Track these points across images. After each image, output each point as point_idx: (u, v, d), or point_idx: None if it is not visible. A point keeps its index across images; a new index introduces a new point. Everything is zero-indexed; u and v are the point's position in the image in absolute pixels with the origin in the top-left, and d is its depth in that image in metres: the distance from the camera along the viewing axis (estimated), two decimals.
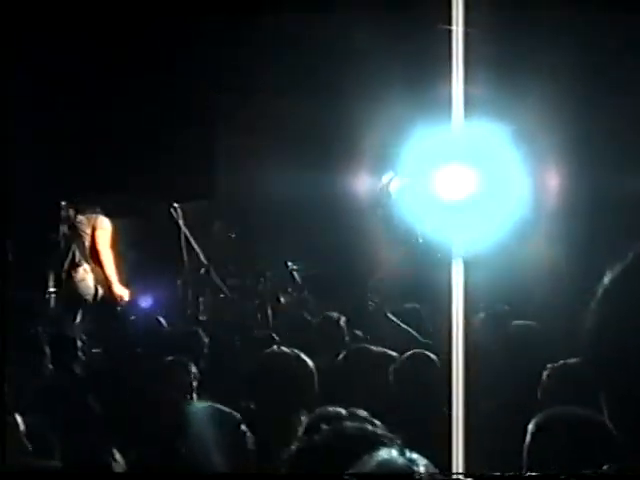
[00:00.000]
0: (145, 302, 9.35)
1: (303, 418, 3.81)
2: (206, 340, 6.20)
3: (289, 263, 10.54)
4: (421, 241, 8.99)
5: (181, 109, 9.51)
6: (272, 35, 9.30)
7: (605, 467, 1.84)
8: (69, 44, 8.40)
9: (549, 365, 4.31)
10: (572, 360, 4.15)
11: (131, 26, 8.71)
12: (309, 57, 9.50)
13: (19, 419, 3.80)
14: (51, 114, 8.45)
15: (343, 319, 6.74)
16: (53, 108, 8.48)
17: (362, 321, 7.34)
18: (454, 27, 4.40)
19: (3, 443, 3.75)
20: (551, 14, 7.60)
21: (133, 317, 8.82)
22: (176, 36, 9.03)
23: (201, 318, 9.42)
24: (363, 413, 3.34)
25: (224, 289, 9.82)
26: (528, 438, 3.21)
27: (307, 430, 3.29)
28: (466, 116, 4.41)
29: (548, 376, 4.24)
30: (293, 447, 2.87)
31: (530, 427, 3.25)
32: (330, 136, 10.71)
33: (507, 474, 3.05)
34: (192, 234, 10.21)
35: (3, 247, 7.63)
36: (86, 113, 8.69)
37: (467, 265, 4.38)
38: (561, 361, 4.24)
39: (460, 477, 3.49)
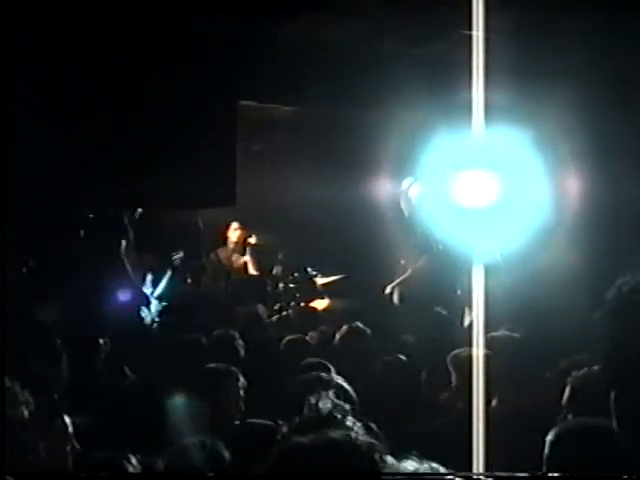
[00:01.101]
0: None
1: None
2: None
3: (309, 269, 10.60)
4: (441, 248, 8.98)
5: (200, 115, 9.45)
6: (291, 41, 9.28)
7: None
8: (86, 52, 8.45)
9: (573, 372, 4.28)
10: (595, 368, 4.11)
11: (149, 31, 8.71)
12: (328, 63, 9.46)
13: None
14: (72, 124, 8.48)
15: (366, 328, 6.73)
16: (73, 116, 8.48)
17: (382, 328, 7.26)
18: (474, 32, 4.37)
19: (3, 443, 3.75)
20: (571, 19, 7.55)
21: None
22: (196, 43, 9.05)
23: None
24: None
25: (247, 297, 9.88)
26: (547, 448, 3.20)
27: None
28: (487, 122, 4.39)
29: (569, 383, 4.20)
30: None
31: (549, 437, 3.24)
32: (350, 142, 10.71)
33: (527, 475, 3.11)
34: (213, 240, 10.39)
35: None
36: (101, 122, 8.66)
37: (488, 271, 4.32)
38: (585, 368, 4.20)
39: (481, 477, 3.52)
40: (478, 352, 4.19)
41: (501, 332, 5.35)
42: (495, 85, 4.37)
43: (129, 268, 9.02)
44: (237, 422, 4.69)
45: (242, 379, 5.05)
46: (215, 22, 8.84)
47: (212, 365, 5.25)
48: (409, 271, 9.77)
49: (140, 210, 9.49)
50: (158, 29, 8.77)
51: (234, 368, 5.15)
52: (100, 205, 9.58)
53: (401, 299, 9.73)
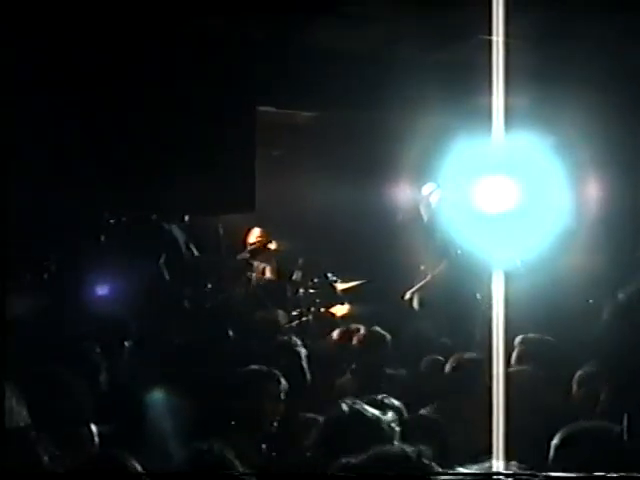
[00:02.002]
0: None
1: None
2: None
3: (329, 274, 10.55)
4: (461, 253, 8.98)
5: (219, 120, 9.49)
6: (309, 46, 9.35)
7: None
8: (103, 56, 8.51)
9: (591, 375, 4.29)
10: (612, 371, 4.14)
11: (166, 36, 8.77)
12: (347, 68, 9.50)
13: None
14: (87, 130, 8.55)
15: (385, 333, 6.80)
16: (89, 124, 8.56)
17: (402, 333, 7.37)
18: (494, 37, 4.40)
19: (3, 442, 3.81)
20: (594, 23, 7.55)
21: None
22: (214, 48, 9.15)
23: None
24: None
25: (268, 303, 9.82)
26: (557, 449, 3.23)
27: None
28: (507, 127, 4.42)
29: (582, 384, 4.23)
30: None
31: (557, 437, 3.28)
32: (370, 148, 10.74)
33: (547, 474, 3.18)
34: (232, 245, 10.41)
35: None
36: (119, 128, 8.75)
37: (508, 277, 4.36)
38: (603, 371, 4.22)
39: (501, 477, 3.50)
40: (498, 357, 4.21)
41: (522, 336, 5.42)
42: (515, 90, 4.40)
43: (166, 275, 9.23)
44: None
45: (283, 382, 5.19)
46: (233, 26, 8.91)
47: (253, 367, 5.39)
48: (429, 276, 9.79)
49: (154, 217, 9.57)
50: (175, 33, 8.83)
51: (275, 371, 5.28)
52: (119, 211, 9.65)
53: (421, 304, 9.74)
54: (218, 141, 9.48)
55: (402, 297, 9.83)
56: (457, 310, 8.56)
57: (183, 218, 9.88)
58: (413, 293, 9.80)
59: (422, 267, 9.97)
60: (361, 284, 10.68)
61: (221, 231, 10.02)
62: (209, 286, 10.12)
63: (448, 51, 9.11)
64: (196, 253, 9.81)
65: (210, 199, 9.53)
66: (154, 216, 9.51)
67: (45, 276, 8.55)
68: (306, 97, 10.11)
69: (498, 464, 3.83)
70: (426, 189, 10.02)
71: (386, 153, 10.46)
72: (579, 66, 8.28)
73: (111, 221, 9.73)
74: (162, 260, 9.45)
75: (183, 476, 3.92)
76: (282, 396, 5.14)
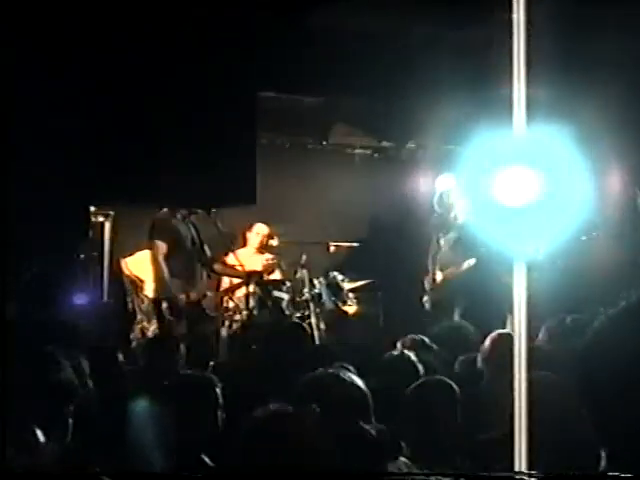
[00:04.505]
0: None
1: None
2: None
3: (334, 274, 10.72)
4: (480, 248, 9.17)
5: (217, 107, 9.55)
6: (317, 26, 9.50)
7: None
8: (95, 42, 8.66)
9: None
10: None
11: (162, 17, 8.93)
12: (356, 51, 9.64)
13: None
14: (83, 117, 8.68)
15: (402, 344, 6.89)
16: (84, 110, 8.69)
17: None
18: (515, 15, 4.58)
19: (3, 443, 4.14)
20: (617, 10, 7.69)
21: None
22: (212, 29, 9.23)
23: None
24: None
25: (269, 302, 10.08)
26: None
27: None
28: (528, 116, 4.51)
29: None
30: None
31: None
32: (381, 136, 10.98)
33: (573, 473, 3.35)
34: (232, 241, 10.64)
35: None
36: (114, 113, 8.87)
37: (530, 271, 4.43)
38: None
39: (524, 477, 3.71)
40: (520, 352, 4.37)
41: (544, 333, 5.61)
42: (537, 79, 4.62)
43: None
44: None
45: None
46: (232, 6, 9.03)
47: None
48: (445, 274, 9.96)
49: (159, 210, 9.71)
50: (170, 14, 8.96)
51: None
52: (112, 204, 10.12)
53: (434, 304, 9.95)
54: (215, 128, 9.53)
55: (416, 297, 10.06)
56: (477, 308, 8.87)
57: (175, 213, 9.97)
58: (427, 292, 10.02)
59: (437, 263, 10.11)
60: (370, 283, 10.85)
61: (220, 226, 10.03)
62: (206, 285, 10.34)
63: (467, 38, 9.32)
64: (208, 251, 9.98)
65: (207, 192, 9.64)
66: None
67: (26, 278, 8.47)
68: (312, 81, 10.20)
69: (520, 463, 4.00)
70: (442, 181, 10.18)
71: (399, 142, 10.77)
72: (604, 53, 8.47)
73: (100, 219, 10.25)
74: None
75: (183, 476, 4.20)
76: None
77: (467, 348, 6.74)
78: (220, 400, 5.16)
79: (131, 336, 9.68)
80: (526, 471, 3.85)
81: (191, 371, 5.83)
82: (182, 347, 7.17)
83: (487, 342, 6.34)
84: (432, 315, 9.73)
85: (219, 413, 5.11)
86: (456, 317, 9.13)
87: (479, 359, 6.20)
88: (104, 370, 6.12)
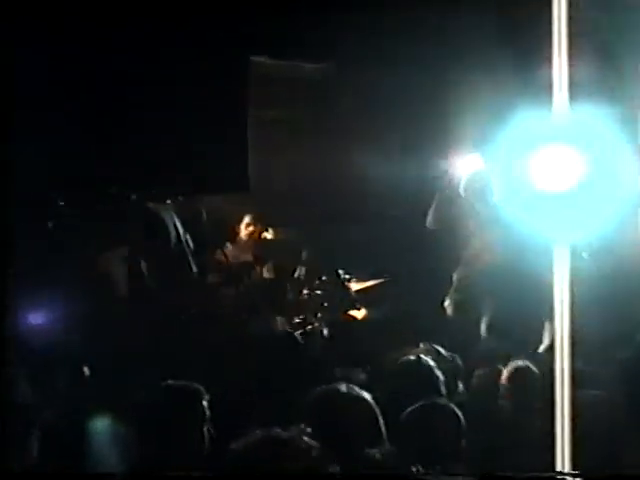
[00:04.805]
0: None
1: None
2: None
3: (340, 271, 11.15)
4: (517, 240, 9.41)
5: (202, 74, 9.98)
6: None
7: None
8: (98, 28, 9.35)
9: None
10: None
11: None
12: (398, 32, 10.31)
13: None
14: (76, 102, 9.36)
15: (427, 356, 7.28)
16: (78, 95, 9.37)
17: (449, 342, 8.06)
18: (556, 4, 5.41)
19: (3, 443, 5.11)
20: None
21: None
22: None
23: None
24: None
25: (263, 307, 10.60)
26: None
27: None
28: (570, 98, 5.26)
29: None
30: None
31: None
32: (397, 112, 11.40)
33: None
34: (219, 235, 11.21)
35: None
36: (99, 96, 9.49)
37: (572, 259, 5.13)
38: None
39: (567, 478, 4.45)
40: (563, 347, 5.12)
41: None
42: (579, 58, 5.31)
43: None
44: None
45: None
46: None
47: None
48: (471, 271, 10.50)
49: (134, 197, 10.16)
50: None
51: None
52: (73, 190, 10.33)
53: (458, 307, 10.46)
54: (201, 100, 9.85)
55: (437, 299, 10.53)
56: (509, 314, 9.41)
57: (156, 199, 10.46)
58: (450, 294, 10.52)
59: (462, 259, 10.66)
60: (382, 282, 11.32)
61: (205, 216, 10.69)
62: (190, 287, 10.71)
63: (507, 16, 10.08)
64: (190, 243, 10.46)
65: (191, 175, 10.09)
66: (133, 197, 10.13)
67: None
68: (314, 45, 10.75)
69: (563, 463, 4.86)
70: (468, 163, 10.72)
71: (416, 118, 11.13)
72: None
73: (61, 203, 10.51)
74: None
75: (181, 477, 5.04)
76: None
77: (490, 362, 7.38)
78: (207, 414, 5.87)
79: None
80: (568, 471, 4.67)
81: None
82: None
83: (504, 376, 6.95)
84: (454, 322, 10.33)
85: (205, 428, 5.82)
86: (483, 326, 9.71)
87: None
88: None
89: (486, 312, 9.98)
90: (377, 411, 5.64)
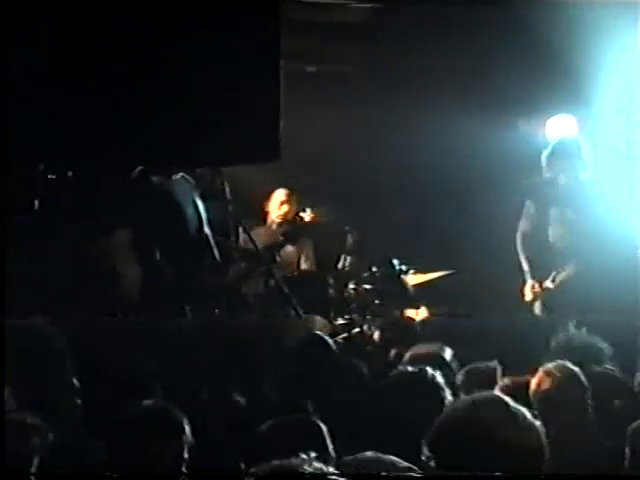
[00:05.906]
0: None
1: None
2: None
3: (395, 261, 10.61)
4: (612, 228, 9.22)
5: (220, 22, 9.55)
6: None
7: None
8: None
9: None
10: None
11: None
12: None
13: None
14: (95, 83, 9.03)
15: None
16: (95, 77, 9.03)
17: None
18: None
19: (3, 443, 5.14)
20: None
21: None
22: None
23: None
24: None
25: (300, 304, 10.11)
26: None
27: None
28: None
29: None
30: None
31: None
32: (463, 65, 11.04)
33: None
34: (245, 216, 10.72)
35: None
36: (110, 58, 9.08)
37: None
38: None
39: None
40: None
41: None
42: None
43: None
44: None
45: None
46: None
47: None
48: (556, 265, 9.97)
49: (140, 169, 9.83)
50: None
51: None
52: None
53: (546, 307, 10.01)
54: (221, 54, 9.51)
55: (519, 294, 10.06)
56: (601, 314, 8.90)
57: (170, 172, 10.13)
58: (535, 289, 10.00)
59: (545, 249, 10.09)
60: (445, 276, 10.87)
61: (228, 193, 10.17)
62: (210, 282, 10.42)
63: None
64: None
65: (212, 144, 9.56)
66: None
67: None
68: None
69: None
70: (557, 127, 10.28)
71: (486, 74, 10.82)
72: None
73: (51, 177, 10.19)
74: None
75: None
76: None
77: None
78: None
79: None
80: None
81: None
82: None
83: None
84: (541, 322, 9.82)
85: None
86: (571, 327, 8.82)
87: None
88: None
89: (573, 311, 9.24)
90: None
